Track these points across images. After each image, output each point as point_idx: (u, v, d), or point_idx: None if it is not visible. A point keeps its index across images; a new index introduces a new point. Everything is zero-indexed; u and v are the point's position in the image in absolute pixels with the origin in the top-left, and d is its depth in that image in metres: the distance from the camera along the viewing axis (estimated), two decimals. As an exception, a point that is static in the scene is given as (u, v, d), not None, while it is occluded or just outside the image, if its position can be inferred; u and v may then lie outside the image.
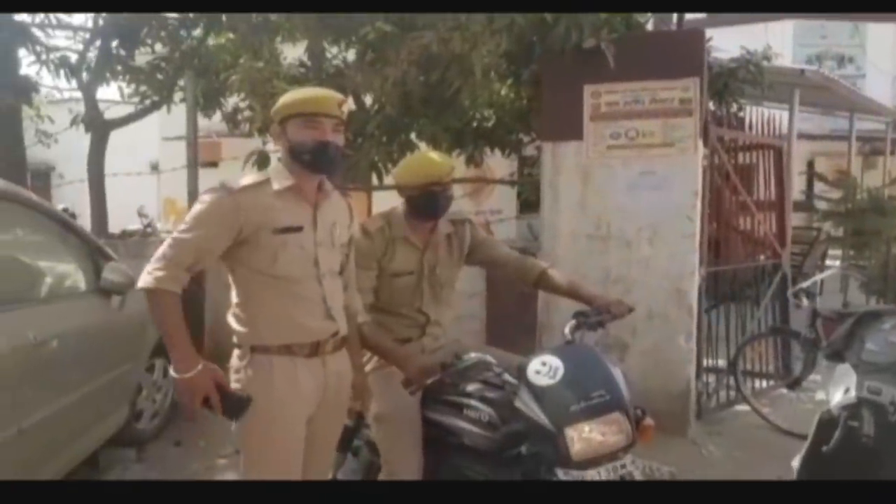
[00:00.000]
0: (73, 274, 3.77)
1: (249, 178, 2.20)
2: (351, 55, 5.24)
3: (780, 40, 10.38)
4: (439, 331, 2.76)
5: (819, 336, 4.42)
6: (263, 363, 2.15)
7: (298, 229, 2.16)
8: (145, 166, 11.93)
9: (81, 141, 6.80)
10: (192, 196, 5.25)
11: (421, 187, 2.57)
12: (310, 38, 5.06)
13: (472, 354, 2.34)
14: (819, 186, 9.26)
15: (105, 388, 3.61)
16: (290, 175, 2.18)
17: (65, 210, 5.52)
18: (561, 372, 2.15)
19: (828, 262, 9.14)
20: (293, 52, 5.50)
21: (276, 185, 2.16)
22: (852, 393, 2.59)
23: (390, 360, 2.45)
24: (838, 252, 8.88)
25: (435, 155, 2.80)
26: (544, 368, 2.18)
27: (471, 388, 2.43)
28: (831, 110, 10.59)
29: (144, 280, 2.07)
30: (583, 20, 4.16)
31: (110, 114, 6.88)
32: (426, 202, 2.60)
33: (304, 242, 2.17)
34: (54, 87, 8.08)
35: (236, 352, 2.21)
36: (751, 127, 5.21)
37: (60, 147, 7.99)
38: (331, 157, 2.17)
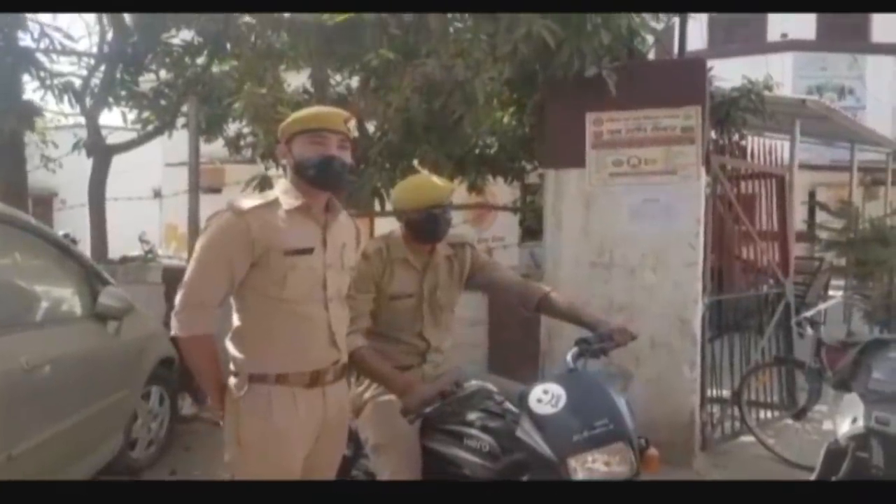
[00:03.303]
0: (69, 298, 3.74)
1: (257, 198, 2.16)
2: (354, 82, 5.26)
3: (780, 72, 10.44)
4: (440, 358, 2.70)
5: (824, 366, 4.36)
6: (262, 393, 2.08)
7: (309, 251, 2.11)
8: (148, 192, 11.94)
9: (84, 166, 6.80)
10: (194, 222, 5.23)
11: (421, 211, 2.54)
12: (313, 65, 5.09)
13: (473, 382, 2.29)
14: (821, 216, 9.24)
15: (99, 416, 3.55)
16: (298, 194, 2.13)
17: (66, 235, 5.47)
18: (563, 400, 2.10)
19: (830, 293, 9.09)
20: (297, 80, 5.53)
21: (284, 205, 2.11)
22: (860, 423, 2.55)
23: (389, 387, 2.39)
24: (841, 282, 8.84)
25: (434, 178, 2.76)
26: (546, 397, 2.13)
27: (471, 416, 2.37)
28: (832, 141, 10.62)
29: (176, 328, 2.03)
30: (585, 48, 4.17)
31: (113, 139, 6.89)
32: (426, 225, 2.56)
33: (314, 264, 2.12)
34: (58, 113, 8.12)
35: (232, 380, 2.14)
36: (752, 156, 5.22)
37: (63, 172, 7.98)
38: (336, 172, 2.11)
